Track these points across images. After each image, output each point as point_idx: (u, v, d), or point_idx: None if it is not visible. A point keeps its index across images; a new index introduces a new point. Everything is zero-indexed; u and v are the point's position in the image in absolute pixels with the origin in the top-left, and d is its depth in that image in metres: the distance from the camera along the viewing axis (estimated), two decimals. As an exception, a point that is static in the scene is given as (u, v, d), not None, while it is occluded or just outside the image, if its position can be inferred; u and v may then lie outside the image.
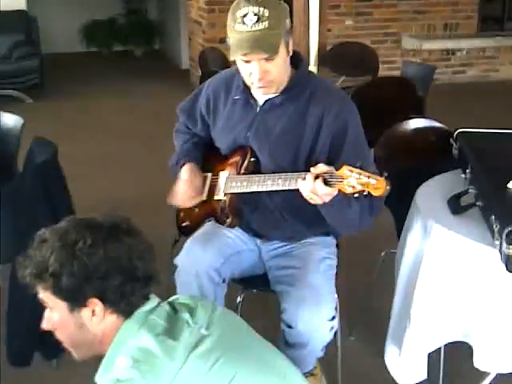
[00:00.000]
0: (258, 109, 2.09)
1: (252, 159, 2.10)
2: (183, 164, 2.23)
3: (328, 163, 1.90)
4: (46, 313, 1.44)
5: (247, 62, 1.94)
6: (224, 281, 2.14)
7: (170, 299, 1.50)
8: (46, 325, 1.44)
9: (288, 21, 1.97)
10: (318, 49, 5.04)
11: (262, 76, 1.95)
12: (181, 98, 2.40)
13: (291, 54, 2.01)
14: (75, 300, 1.38)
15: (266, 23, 1.88)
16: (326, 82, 2.21)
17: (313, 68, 4.86)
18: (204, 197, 2.20)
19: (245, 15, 1.89)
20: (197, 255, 2.12)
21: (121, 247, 1.37)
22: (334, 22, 7.08)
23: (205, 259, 2.10)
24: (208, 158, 2.26)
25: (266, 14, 1.88)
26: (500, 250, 1.75)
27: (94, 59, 9.45)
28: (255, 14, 1.88)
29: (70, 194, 2.65)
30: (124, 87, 7.54)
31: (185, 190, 2.19)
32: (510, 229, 1.71)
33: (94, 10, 9.66)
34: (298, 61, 2.07)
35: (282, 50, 1.94)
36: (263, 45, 1.89)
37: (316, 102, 2.03)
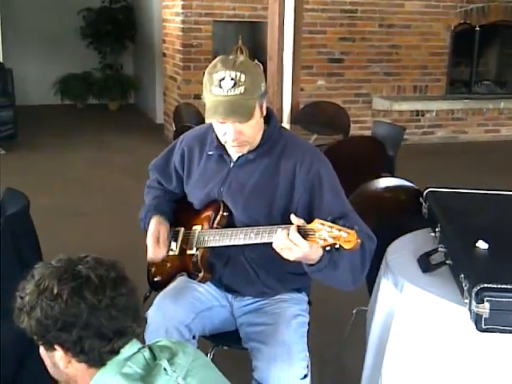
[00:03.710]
0: (232, 164, 2.11)
1: (225, 213, 2.10)
2: (151, 217, 2.22)
3: (309, 215, 1.93)
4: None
5: (222, 122, 1.97)
6: (194, 337, 2.11)
7: (151, 342, 1.48)
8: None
9: (263, 84, 2.00)
10: (291, 107, 5.12)
11: (237, 137, 1.98)
12: (154, 152, 2.41)
13: (265, 113, 2.05)
14: (44, 342, 1.40)
15: (241, 88, 1.91)
16: (296, 136, 2.25)
17: (286, 126, 4.92)
18: (176, 251, 2.19)
19: (222, 79, 1.91)
20: (167, 311, 2.09)
21: (83, 304, 1.35)
22: (306, 82, 7.23)
23: (175, 315, 2.08)
24: (181, 213, 2.26)
25: (243, 80, 1.91)
26: (469, 309, 1.76)
27: (68, 112, 9.48)
28: (232, 79, 1.91)
29: (39, 247, 2.62)
30: (98, 140, 7.55)
31: (151, 243, 2.17)
32: (479, 287, 1.73)
33: (69, 64, 9.75)
34: (268, 116, 2.10)
35: (257, 112, 1.97)
36: (238, 111, 1.92)
37: (287, 156, 2.06)
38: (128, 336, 1.40)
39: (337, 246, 1.73)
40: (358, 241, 1.71)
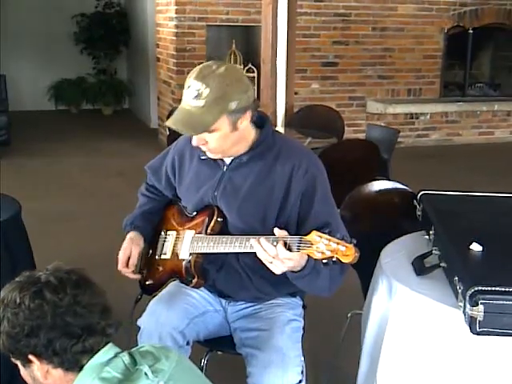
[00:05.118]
0: (225, 168, 2.10)
1: (219, 219, 2.08)
2: (128, 232, 2.27)
3: (298, 220, 1.96)
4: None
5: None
6: (188, 343, 2.10)
7: (133, 349, 1.47)
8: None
9: (239, 101, 1.89)
10: (286, 111, 5.13)
11: (198, 142, 1.98)
12: (149, 156, 2.40)
13: (240, 129, 1.96)
14: (19, 357, 1.40)
15: (202, 102, 1.87)
16: (291, 139, 2.25)
17: (280, 129, 4.93)
18: (168, 255, 2.18)
19: (189, 87, 1.90)
20: (160, 316, 2.08)
21: (45, 305, 1.36)
22: (300, 86, 7.24)
23: (168, 321, 2.07)
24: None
25: (205, 94, 1.86)
26: (464, 312, 1.76)
27: (62, 117, 9.47)
28: (196, 90, 1.88)
29: (32, 252, 2.61)
30: (92, 145, 7.54)
31: (121, 261, 2.22)
32: (473, 290, 1.72)
33: (63, 69, 9.75)
34: (262, 120, 2.09)
35: (223, 127, 1.91)
36: (188, 123, 1.91)
37: (284, 159, 2.04)
38: (98, 334, 1.39)
39: (334, 259, 1.71)
40: (356, 255, 1.70)
